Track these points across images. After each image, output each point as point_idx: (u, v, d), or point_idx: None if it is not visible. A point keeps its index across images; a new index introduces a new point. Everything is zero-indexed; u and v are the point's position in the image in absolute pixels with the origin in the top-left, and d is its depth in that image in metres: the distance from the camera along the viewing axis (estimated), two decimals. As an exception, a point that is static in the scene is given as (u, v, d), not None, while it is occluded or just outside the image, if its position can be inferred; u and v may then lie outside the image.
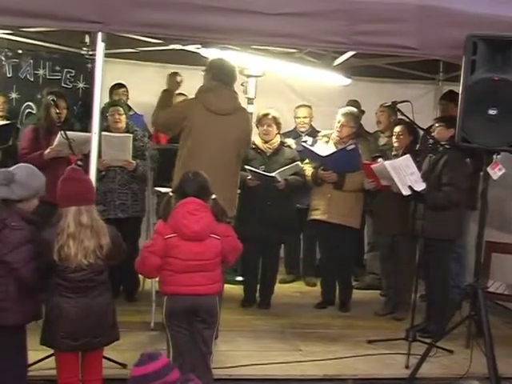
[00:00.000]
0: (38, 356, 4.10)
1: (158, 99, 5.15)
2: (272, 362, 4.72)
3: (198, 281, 3.84)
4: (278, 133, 6.12)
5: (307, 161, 6.21)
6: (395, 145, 5.90)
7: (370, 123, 6.97)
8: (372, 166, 5.58)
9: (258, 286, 6.21)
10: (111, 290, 3.81)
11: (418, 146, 6.02)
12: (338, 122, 6.06)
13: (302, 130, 6.96)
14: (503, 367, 4.49)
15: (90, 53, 6.84)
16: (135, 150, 5.74)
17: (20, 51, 6.84)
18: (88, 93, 6.62)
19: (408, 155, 5.40)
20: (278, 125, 6.08)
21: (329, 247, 6.27)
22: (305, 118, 7.00)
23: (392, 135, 5.98)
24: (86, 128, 5.33)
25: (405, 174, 5.22)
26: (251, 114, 5.98)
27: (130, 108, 6.53)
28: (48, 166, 5.03)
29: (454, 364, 4.90)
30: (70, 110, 6.11)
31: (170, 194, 4.03)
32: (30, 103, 6.86)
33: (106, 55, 4.48)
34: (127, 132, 5.79)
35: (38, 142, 5.58)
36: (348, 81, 6.59)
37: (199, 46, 5.55)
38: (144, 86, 7.03)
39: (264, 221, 5.85)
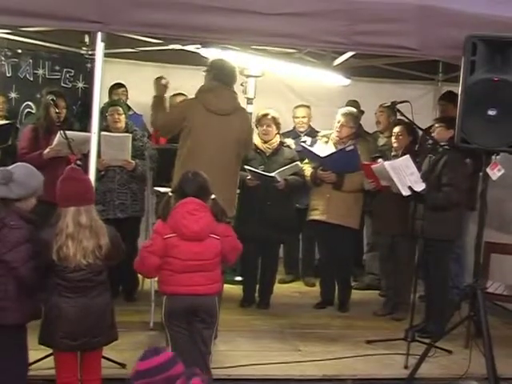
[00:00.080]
0: (37, 355, 4.09)
1: (151, 106, 5.15)
2: (271, 362, 4.72)
3: (197, 281, 3.84)
4: (278, 133, 6.12)
5: (307, 161, 6.20)
6: (394, 145, 5.90)
7: (369, 123, 6.96)
8: (372, 167, 5.57)
9: (257, 286, 6.21)
10: (110, 290, 3.81)
11: (417, 146, 6.02)
12: (338, 122, 6.06)
13: (301, 130, 6.96)
14: (502, 368, 4.48)
15: (90, 52, 6.83)
16: (134, 149, 5.74)
17: (19, 51, 6.83)
18: (87, 92, 6.62)
19: (407, 156, 5.40)
20: (278, 125, 6.08)
21: (328, 247, 6.26)
22: (303, 117, 6.99)
23: (391, 135, 5.98)
24: (86, 128, 5.34)
25: (404, 175, 5.22)
26: (250, 114, 6.00)
27: (129, 108, 6.52)
28: (47, 165, 5.03)
29: (453, 364, 4.90)
30: (69, 109, 6.10)
31: (170, 193, 4.03)
32: (29, 103, 6.84)
33: (106, 55, 4.48)
34: (126, 132, 5.78)
35: (38, 141, 5.57)
36: (347, 81, 6.59)
37: (199, 46, 5.55)
38: (143, 85, 6.94)
39: (263, 221, 5.85)
